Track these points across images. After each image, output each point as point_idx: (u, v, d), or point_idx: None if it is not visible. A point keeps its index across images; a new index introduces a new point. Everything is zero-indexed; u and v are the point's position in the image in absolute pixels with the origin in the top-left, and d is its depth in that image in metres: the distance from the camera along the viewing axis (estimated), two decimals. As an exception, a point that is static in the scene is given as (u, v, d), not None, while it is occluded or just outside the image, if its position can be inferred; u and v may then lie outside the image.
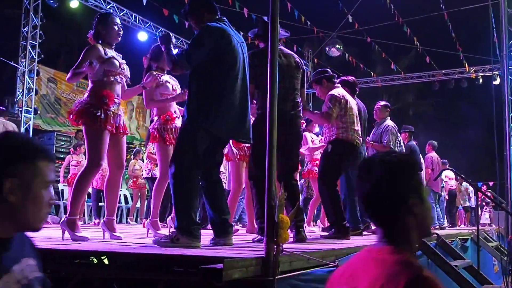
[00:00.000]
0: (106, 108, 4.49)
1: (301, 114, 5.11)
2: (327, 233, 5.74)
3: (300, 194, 12.70)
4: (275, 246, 2.66)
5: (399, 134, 8.22)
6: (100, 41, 4.69)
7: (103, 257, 3.16)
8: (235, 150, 6.47)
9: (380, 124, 7.97)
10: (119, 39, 4.81)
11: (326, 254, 3.43)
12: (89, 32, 4.78)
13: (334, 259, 3.40)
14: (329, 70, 6.43)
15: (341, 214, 5.75)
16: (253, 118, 4.77)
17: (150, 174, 9.16)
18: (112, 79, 4.60)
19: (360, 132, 6.16)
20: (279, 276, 2.67)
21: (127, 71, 4.78)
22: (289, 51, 5.15)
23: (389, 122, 7.93)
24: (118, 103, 4.69)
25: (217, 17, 4.11)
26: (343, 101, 5.95)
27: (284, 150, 4.75)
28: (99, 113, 4.42)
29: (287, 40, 18.89)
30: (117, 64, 4.64)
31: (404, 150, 8.39)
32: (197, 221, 3.75)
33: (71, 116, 4.52)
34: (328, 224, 6.08)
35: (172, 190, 3.83)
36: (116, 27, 4.77)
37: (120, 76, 4.68)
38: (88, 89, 4.60)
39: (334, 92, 6.01)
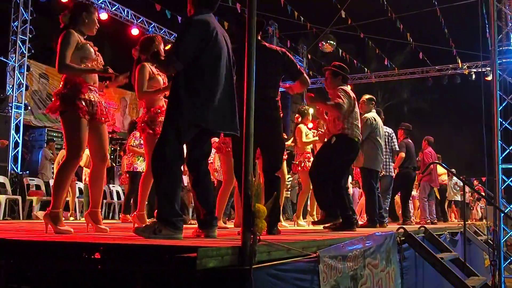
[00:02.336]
0: (81, 96, 4.42)
1: (276, 108, 4.88)
2: (328, 225, 5.80)
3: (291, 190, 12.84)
4: (252, 236, 2.66)
5: (383, 128, 8.17)
6: (73, 28, 4.53)
7: (82, 250, 3.15)
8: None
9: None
10: (94, 33, 4.72)
11: (307, 245, 3.43)
12: (64, 13, 4.59)
13: (316, 250, 3.40)
14: (348, 69, 6.39)
15: (334, 206, 5.82)
16: None
17: (131, 168, 9.04)
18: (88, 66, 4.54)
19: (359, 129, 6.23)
20: (256, 266, 2.66)
21: (101, 58, 4.71)
22: (267, 45, 4.96)
23: (368, 115, 7.92)
24: (95, 91, 4.61)
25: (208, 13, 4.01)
26: (352, 98, 6.02)
27: (261, 146, 4.76)
28: (73, 102, 4.37)
29: (281, 36, 18.95)
30: (92, 50, 4.58)
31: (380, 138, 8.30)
32: (179, 212, 3.74)
33: (53, 107, 4.45)
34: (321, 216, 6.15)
35: (155, 181, 3.82)
36: (96, 21, 4.71)
37: (95, 63, 4.59)
38: (63, 78, 4.51)
39: (345, 87, 6.12)
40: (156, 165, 3.80)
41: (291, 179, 13.26)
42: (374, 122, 7.89)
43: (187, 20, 3.95)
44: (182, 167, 4.02)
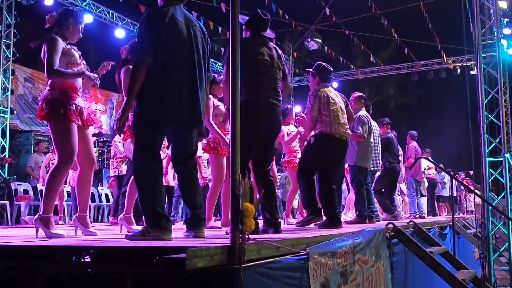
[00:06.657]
0: (71, 101, 4.39)
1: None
2: (319, 223, 5.88)
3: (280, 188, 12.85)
4: (241, 235, 2.67)
5: (372, 123, 8.25)
6: (56, 34, 4.50)
7: (72, 253, 3.13)
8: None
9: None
10: (75, 41, 4.69)
11: (296, 243, 3.44)
12: (52, 15, 4.58)
13: (305, 247, 3.41)
14: (330, 69, 6.39)
15: (316, 204, 5.85)
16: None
17: (117, 172, 8.97)
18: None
19: (346, 126, 6.21)
20: (245, 264, 2.67)
21: (84, 62, 4.68)
22: (273, 45, 5.10)
23: (360, 113, 7.95)
24: (82, 96, 4.59)
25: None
26: (324, 96, 6.01)
27: (264, 141, 4.84)
28: (65, 107, 4.32)
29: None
30: (77, 55, 4.57)
31: (377, 137, 8.47)
32: (165, 214, 3.73)
33: (41, 113, 4.37)
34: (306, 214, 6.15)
35: (136, 186, 3.81)
36: (81, 29, 4.70)
37: (81, 68, 4.56)
38: (49, 82, 4.44)
39: (321, 89, 6.13)
40: (133, 169, 3.82)
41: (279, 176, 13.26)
42: (367, 120, 7.97)
43: (147, 13, 3.83)
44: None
